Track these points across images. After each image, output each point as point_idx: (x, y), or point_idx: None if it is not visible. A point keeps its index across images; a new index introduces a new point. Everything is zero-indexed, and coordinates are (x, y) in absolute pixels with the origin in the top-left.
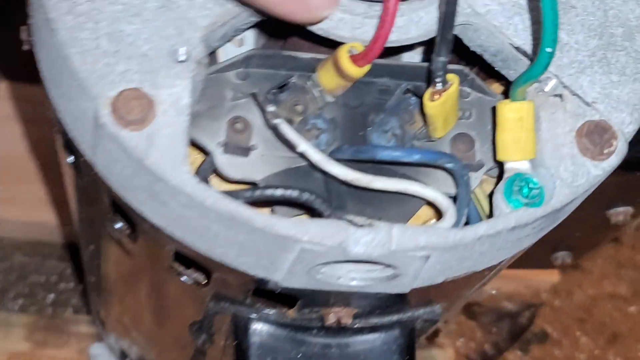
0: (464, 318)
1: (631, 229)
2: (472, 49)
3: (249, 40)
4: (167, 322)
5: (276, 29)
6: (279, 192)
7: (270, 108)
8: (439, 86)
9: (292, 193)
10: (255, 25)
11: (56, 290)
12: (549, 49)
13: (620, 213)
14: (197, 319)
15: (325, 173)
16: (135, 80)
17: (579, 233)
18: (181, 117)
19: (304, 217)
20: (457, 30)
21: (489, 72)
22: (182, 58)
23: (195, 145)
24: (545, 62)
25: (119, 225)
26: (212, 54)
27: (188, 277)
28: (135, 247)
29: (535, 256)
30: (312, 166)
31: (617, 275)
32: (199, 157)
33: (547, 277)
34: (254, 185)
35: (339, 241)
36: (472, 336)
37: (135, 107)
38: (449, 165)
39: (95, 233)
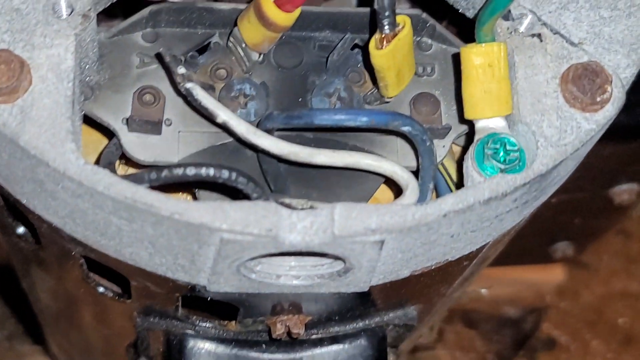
0: (461, 326)
1: (638, 212)
2: None
3: None
4: (111, 350)
5: None
6: (191, 171)
7: (180, 70)
8: (386, 30)
9: (208, 171)
10: None
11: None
12: None
13: (624, 191)
14: (131, 340)
15: (255, 148)
16: (5, 41)
17: (578, 218)
18: (64, 83)
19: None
20: None
21: (460, 26)
22: (64, 12)
23: (98, 124)
24: None
25: (20, 230)
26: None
27: (105, 288)
28: (46, 258)
29: (531, 249)
30: (241, 142)
31: (627, 272)
32: (104, 140)
33: (550, 277)
34: None
35: (268, 227)
36: (472, 346)
37: (4, 74)
38: (405, 129)
39: (13, 249)
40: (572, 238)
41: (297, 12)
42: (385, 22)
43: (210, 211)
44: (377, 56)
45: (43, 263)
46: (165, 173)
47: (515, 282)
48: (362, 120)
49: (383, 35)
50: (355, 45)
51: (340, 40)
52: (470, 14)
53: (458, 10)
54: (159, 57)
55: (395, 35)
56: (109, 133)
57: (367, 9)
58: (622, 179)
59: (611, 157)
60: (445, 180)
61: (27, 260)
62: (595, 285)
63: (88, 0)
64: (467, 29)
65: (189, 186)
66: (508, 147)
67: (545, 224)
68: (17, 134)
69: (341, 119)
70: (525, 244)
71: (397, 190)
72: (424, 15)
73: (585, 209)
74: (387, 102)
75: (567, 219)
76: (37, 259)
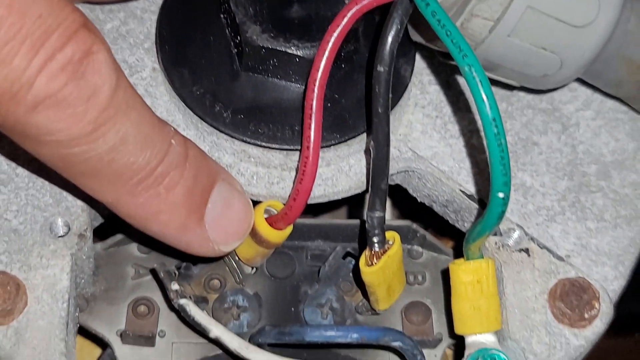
0: None
1: None
2: (419, 200)
3: None
4: None
5: None
6: None
7: (174, 287)
8: (376, 248)
9: None
10: None
11: None
12: (500, 194)
13: None
14: None
15: None
16: (2, 262)
17: None
18: (58, 304)
19: None
20: (398, 179)
21: (446, 231)
22: (61, 231)
23: (92, 335)
24: (498, 210)
25: None
26: None
27: None
28: None
29: None
30: (234, 355)
31: None
32: (96, 351)
33: None
34: None
35: None
36: None
37: (0, 296)
38: (396, 344)
39: None
40: None
41: (289, 230)
42: (375, 239)
43: None
44: (367, 273)
45: None
46: None
47: None
48: (353, 337)
49: (373, 252)
50: (347, 254)
51: (332, 253)
52: (459, 225)
53: (448, 221)
54: (154, 272)
55: (385, 252)
56: (103, 342)
57: (357, 221)
58: None
59: (604, 349)
60: None
61: None
62: None
63: (85, 219)
64: (455, 237)
65: None
66: None
67: None
68: (10, 357)
69: (332, 335)
70: None
71: None
72: (414, 225)
73: None
74: (379, 314)
75: None
76: None
